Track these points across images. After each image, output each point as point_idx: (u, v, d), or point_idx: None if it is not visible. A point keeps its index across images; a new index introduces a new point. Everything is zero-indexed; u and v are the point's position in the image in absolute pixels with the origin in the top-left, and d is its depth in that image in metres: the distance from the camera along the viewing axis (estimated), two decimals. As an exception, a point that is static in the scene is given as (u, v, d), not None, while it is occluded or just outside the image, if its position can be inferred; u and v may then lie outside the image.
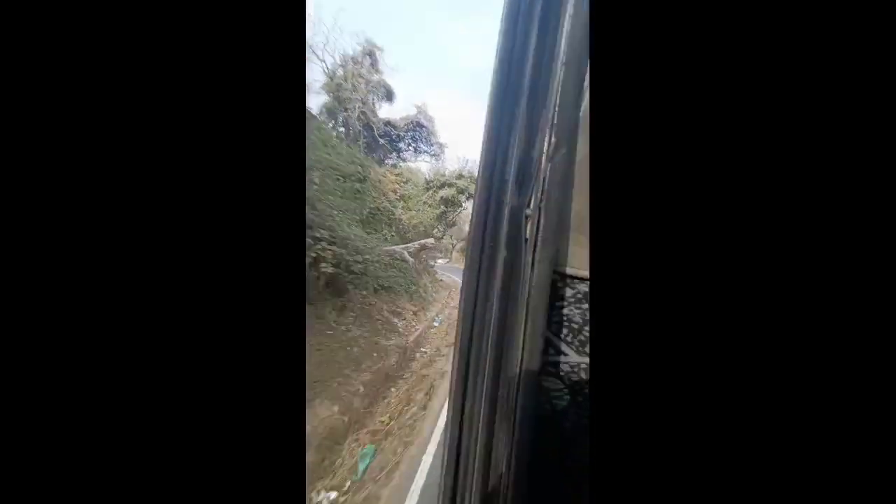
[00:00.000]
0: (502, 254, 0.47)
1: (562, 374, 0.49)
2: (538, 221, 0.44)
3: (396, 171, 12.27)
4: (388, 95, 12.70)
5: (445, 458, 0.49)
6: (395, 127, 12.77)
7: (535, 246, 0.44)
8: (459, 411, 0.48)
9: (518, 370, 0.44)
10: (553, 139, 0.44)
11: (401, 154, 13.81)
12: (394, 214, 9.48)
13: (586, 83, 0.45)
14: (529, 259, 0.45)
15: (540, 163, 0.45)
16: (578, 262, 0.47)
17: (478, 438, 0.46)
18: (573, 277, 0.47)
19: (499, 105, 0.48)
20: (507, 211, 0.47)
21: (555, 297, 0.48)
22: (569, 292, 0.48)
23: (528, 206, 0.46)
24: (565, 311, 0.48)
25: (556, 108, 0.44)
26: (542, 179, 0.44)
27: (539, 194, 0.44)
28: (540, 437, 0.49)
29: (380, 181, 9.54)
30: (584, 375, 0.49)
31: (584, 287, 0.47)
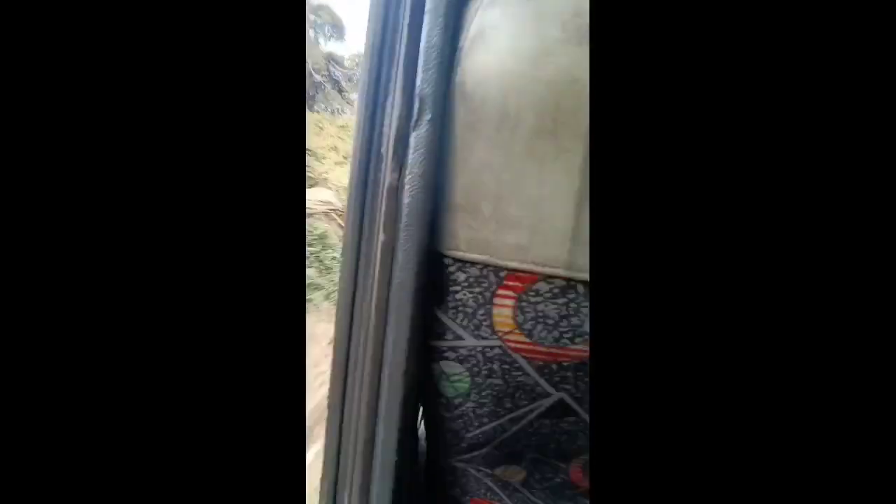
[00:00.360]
0: (380, 238, 0.43)
1: (461, 358, 0.49)
2: (402, 199, 0.40)
3: (340, 122, 9.81)
4: (337, 29, 10.23)
5: (324, 469, 0.48)
6: (339, 65, 10.29)
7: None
8: (339, 418, 0.47)
9: (398, 365, 0.43)
10: (416, 104, 0.38)
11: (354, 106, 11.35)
12: (313, 170, 6.93)
13: (464, 38, 0.38)
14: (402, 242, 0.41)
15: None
16: (466, 245, 0.43)
17: (357, 436, 0.45)
18: (463, 261, 0.44)
19: (376, 59, 0.41)
20: (384, 189, 0.42)
21: (449, 282, 0.46)
22: (461, 276, 0.45)
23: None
24: (458, 295, 0.46)
25: (422, 65, 0.37)
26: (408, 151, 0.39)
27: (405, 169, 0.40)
28: (444, 419, 0.51)
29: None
30: (481, 358, 0.48)
31: (476, 271, 0.44)
